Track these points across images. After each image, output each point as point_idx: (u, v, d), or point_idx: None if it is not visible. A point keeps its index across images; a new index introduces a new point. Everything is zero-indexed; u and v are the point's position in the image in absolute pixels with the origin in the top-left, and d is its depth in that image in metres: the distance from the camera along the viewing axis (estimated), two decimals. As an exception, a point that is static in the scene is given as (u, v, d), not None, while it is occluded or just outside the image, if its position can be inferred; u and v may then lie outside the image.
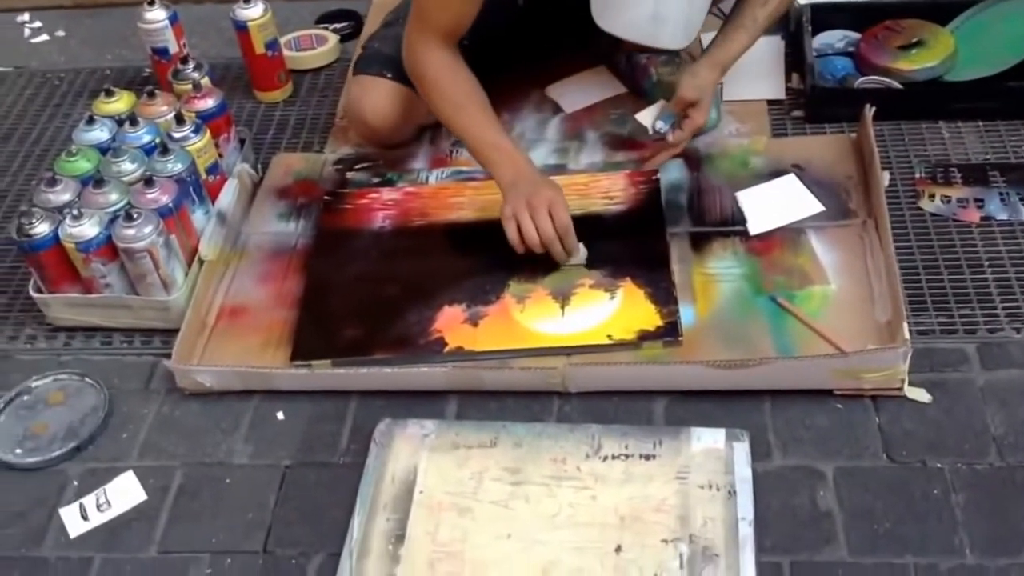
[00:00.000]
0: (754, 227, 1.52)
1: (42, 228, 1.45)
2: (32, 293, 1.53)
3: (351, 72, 1.75)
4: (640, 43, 1.44)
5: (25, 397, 1.46)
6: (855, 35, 1.82)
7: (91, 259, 1.45)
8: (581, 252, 1.47)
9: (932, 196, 1.57)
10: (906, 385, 1.31)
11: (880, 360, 1.29)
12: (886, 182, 1.53)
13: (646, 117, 1.65)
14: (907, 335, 1.28)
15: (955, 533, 1.18)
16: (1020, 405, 1.29)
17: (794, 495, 1.23)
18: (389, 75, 1.66)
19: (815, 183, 1.58)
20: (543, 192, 1.43)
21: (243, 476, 1.33)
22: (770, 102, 1.78)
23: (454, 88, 1.53)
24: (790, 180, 1.59)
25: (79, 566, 1.25)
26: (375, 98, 1.67)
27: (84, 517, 1.30)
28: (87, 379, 1.46)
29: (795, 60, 1.83)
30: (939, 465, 1.24)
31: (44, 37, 2.26)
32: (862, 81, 1.74)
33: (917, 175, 1.61)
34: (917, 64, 1.72)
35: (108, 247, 1.45)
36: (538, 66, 1.82)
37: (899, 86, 1.72)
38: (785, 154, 1.65)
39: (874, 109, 1.59)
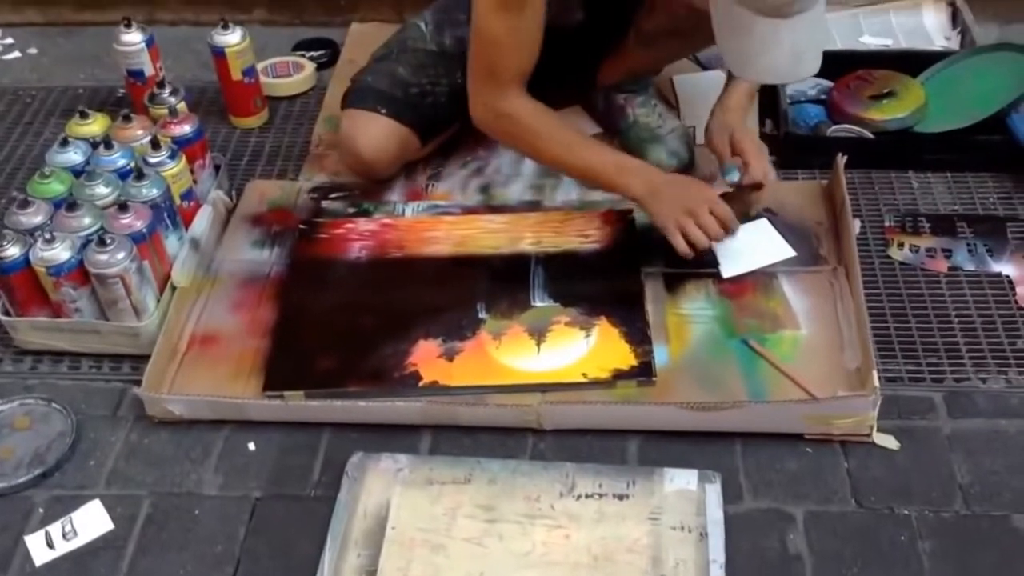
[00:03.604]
0: (727, 270, 1.54)
1: (13, 251, 1.42)
2: (-1, 315, 1.50)
3: (341, 105, 1.75)
4: (781, 82, 1.43)
5: (-10, 421, 1.43)
6: (828, 83, 1.86)
7: (62, 283, 1.43)
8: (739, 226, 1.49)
9: (901, 245, 1.60)
10: (874, 432, 1.33)
11: (850, 407, 1.31)
12: (857, 230, 1.56)
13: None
14: (876, 383, 1.30)
15: (921, 580, 1.20)
16: (985, 454, 1.32)
17: (764, 538, 1.24)
18: (384, 111, 1.67)
19: (787, 228, 1.60)
20: (694, 193, 1.46)
21: (212, 507, 1.31)
22: (744, 147, 1.80)
23: (554, 128, 1.54)
24: (762, 224, 1.61)
25: (43, 596, 1.23)
26: (370, 133, 1.67)
27: (50, 546, 1.27)
28: (54, 404, 1.44)
29: (769, 106, 1.86)
30: (906, 512, 1.26)
31: (16, 54, 2.23)
32: (834, 129, 1.78)
33: (887, 224, 1.64)
34: (888, 114, 1.76)
35: (79, 271, 1.43)
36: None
37: (870, 135, 1.76)
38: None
39: (846, 158, 1.62)
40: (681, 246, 1.45)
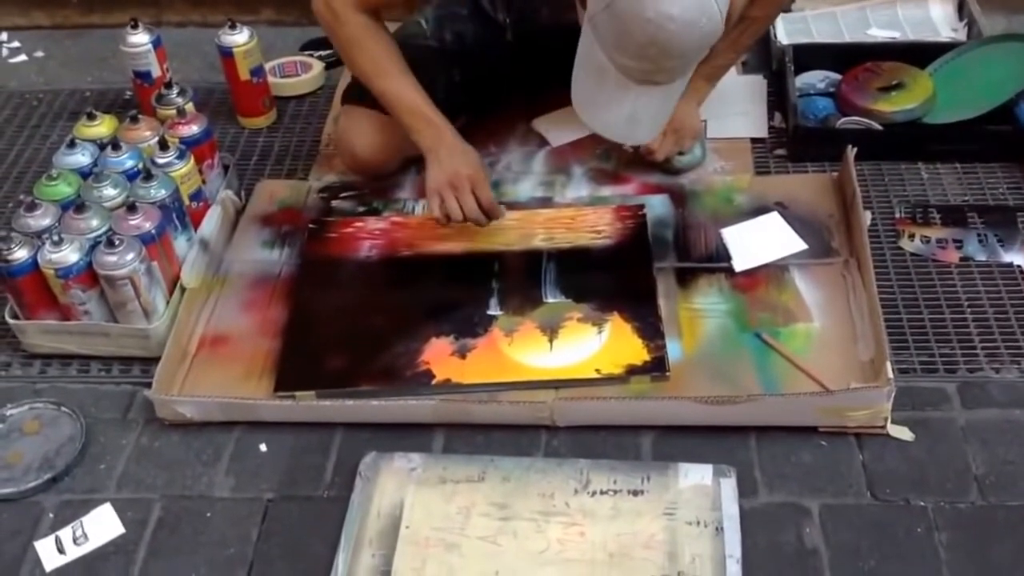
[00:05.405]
0: (739, 264, 1.54)
1: (21, 253, 1.42)
2: (8, 319, 1.50)
3: (340, 102, 1.75)
4: (610, 138, 1.44)
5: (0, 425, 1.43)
6: (836, 76, 1.85)
7: (70, 286, 1.43)
8: (504, 213, 1.53)
9: (912, 236, 1.60)
10: (889, 423, 1.32)
11: (864, 399, 1.31)
12: (868, 221, 1.55)
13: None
14: (891, 374, 1.29)
15: (939, 572, 1.18)
16: (1000, 444, 1.31)
17: (780, 532, 1.24)
18: (378, 107, 1.65)
19: (798, 221, 1.60)
20: (463, 171, 1.48)
21: (224, 510, 1.31)
22: (753, 140, 1.80)
23: (376, 47, 1.53)
24: (773, 218, 1.61)
25: (55, 601, 1.22)
26: (364, 130, 1.66)
27: (60, 550, 1.27)
28: (63, 408, 1.43)
29: (778, 99, 1.86)
30: (922, 504, 1.25)
31: (23, 57, 2.24)
32: (843, 121, 1.77)
33: (897, 215, 1.64)
34: (897, 106, 1.75)
35: (88, 274, 1.43)
36: (525, 100, 1.83)
37: (879, 127, 1.74)
38: (768, 192, 1.67)
39: (856, 150, 1.61)
40: (435, 211, 1.49)
